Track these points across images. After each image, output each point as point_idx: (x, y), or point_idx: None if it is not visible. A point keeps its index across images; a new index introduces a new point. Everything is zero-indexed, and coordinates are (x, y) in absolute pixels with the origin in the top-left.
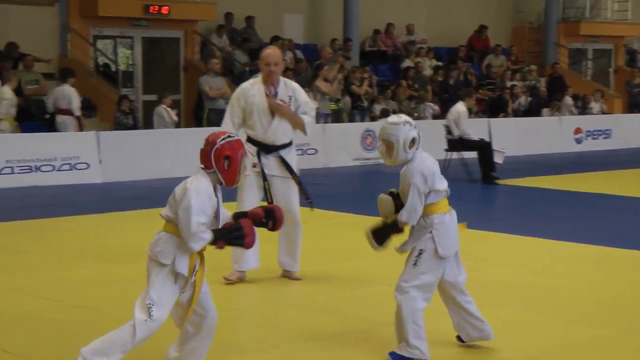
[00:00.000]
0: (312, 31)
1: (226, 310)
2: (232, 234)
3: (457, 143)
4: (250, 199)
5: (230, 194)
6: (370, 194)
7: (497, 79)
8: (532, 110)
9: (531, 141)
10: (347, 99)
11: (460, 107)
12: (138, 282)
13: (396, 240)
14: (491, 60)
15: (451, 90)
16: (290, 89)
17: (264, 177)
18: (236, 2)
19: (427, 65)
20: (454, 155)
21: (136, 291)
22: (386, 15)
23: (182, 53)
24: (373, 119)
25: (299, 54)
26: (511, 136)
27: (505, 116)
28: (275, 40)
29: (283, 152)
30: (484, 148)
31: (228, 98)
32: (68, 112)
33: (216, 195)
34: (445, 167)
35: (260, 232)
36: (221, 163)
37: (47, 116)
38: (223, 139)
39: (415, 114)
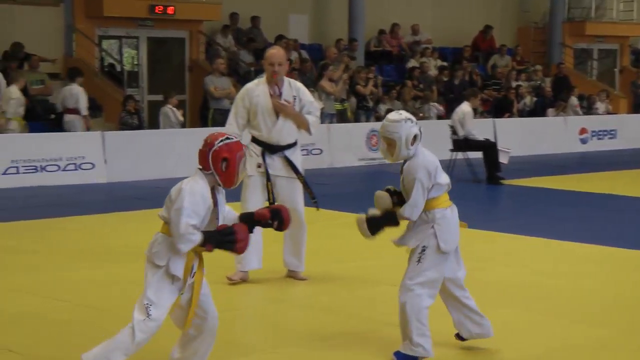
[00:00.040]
0: (317, 31)
1: (230, 310)
2: (224, 238)
3: (462, 143)
4: (255, 199)
5: (235, 194)
6: None
7: (502, 79)
8: (537, 111)
9: (536, 141)
10: (353, 100)
11: (465, 108)
12: (141, 282)
13: (389, 232)
14: (496, 61)
15: (456, 90)
16: (294, 88)
17: (267, 177)
18: (241, 2)
19: (432, 66)
20: (459, 155)
21: (140, 291)
22: (391, 15)
23: (188, 53)
24: (378, 119)
25: (304, 54)
26: (516, 136)
27: (510, 116)
28: (279, 39)
29: (288, 152)
30: (489, 148)
31: (233, 98)
32: (76, 111)
33: (215, 197)
34: (451, 167)
35: (265, 232)
36: (219, 165)
37: (53, 116)
38: (221, 140)
39: (421, 114)
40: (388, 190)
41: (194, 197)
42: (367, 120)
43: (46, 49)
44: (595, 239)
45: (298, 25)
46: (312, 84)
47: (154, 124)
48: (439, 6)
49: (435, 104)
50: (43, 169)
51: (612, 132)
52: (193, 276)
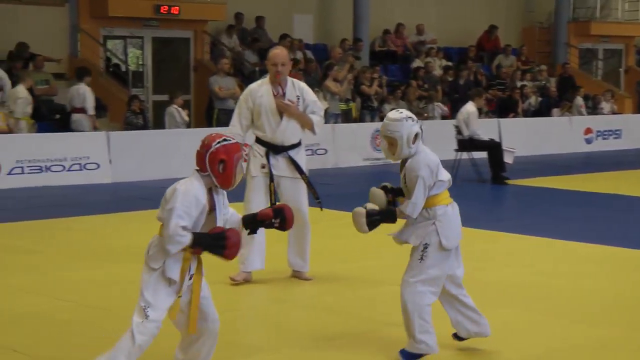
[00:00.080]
0: (322, 31)
1: (233, 311)
2: (214, 243)
3: (467, 143)
4: (258, 200)
5: (239, 195)
6: None
7: (507, 79)
8: (542, 111)
9: (541, 141)
10: (359, 100)
11: (470, 107)
12: None
13: (385, 228)
14: (501, 61)
15: (461, 90)
16: (298, 88)
17: (271, 178)
18: (246, 2)
19: (437, 66)
20: (464, 155)
21: None
22: (396, 15)
23: (192, 53)
24: (383, 119)
25: (309, 54)
26: (521, 136)
27: (515, 116)
28: (283, 38)
29: (292, 153)
30: (494, 148)
31: (238, 98)
32: (83, 110)
33: (212, 199)
34: (455, 167)
35: (269, 233)
36: (216, 166)
37: (58, 116)
38: (219, 142)
39: (425, 114)
40: (384, 188)
41: (187, 197)
42: (372, 120)
43: (51, 49)
44: (599, 239)
45: (303, 25)
46: (316, 84)
47: (158, 124)
48: (444, 6)
49: (440, 104)
50: (48, 169)
51: (617, 132)
52: (191, 278)
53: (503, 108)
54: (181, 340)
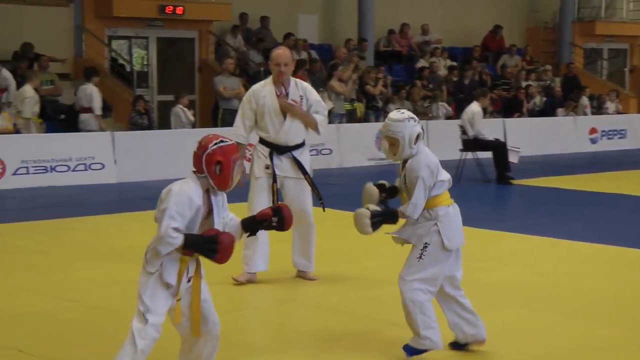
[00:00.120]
0: (326, 31)
1: (238, 311)
2: (205, 246)
3: (471, 143)
4: (261, 201)
5: (243, 195)
6: None
7: (512, 79)
8: (547, 111)
9: (546, 141)
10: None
11: (474, 107)
12: None
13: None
14: (506, 60)
15: (466, 90)
16: (301, 88)
17: (274, 178)
18: (251, 2)
19: (442, 66)
20: (469, 155)
21: None
22: (401, 15)
23: (197, 53)
24: None
25: (314, 54)
26: (526, 136)
27: (520, 116)
28: (287, 37)
29: (296, 153)
30: (498, 148)
31: (242, 98)
32: (90, 110)
33: (210, 200)
34: (460, 167)
35: (273, 233)
36: (212, 168)
37: (62, 116)
38: (215, 143)
39: (430, 114)
40: (380, 185)
41: (180, 198)
42: (377, 120)
43: (56, 50)
44: (603, 238)
45: (307, 25)
46: (321, 84)
47: (163, 124)
48: (449, 6)
49: (444, 104)
50: (53, 169)
51: (622, 132)
52: (189, 281)
53: (508, 108)
54: (182, 344)
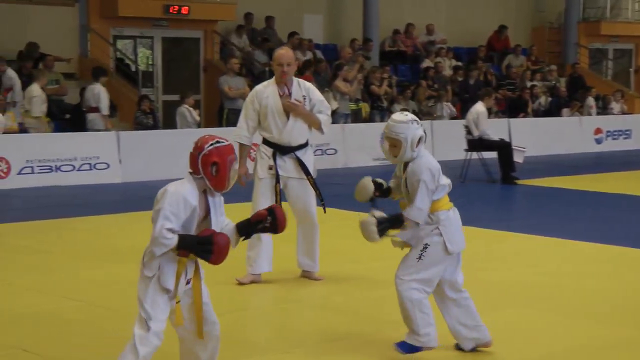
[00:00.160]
0: (332, 31)
1: (243, 310)
2: (200, 247)
3: (476, 143)
4: (265, 202)
5: (246, 195)
6: None
7: (517, 79)
8: (552, 111)
9: (551, 141)
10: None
11: (479, 107)
12: None
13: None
14: (511, 61)
15: (471, 90)
16: (304, 88)
17: (277, 179)
18: (256, 2)
19: (447, 66)
20: (474, 155)
21: None
22: (406, 15)
23: (202, 53)
24: None
25: (319, 54)
26: (531, 136)
27: (525, 116)
28: (291, 36)
29: (299, 153)
30: (503, 148)
31: None
32: (98, 110)
33: (207, 201)
34: (465, 168)
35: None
36: (209, 169)
37: (68, 116)
38: (211, 144)
39: (434, 114)
40: (375, 183)
41: (175, 199)
42: (382, 120)
43: (61, 49)
44: (607, 238)
45: (313, 25)
46: (326, 84)
47: (168, 124)
48: (454, 6)
49: (449, 104)
50: (58, 168)
51: (627, 132)
52: (188, 283)
53: (513, 108)
54: (181, 346)
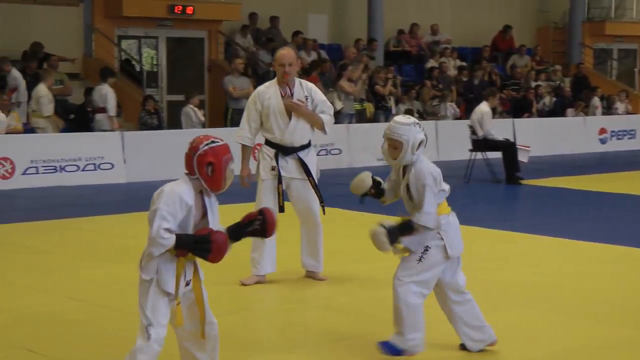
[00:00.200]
0: (336, 31)
1: (247, 310)
2: (198, 246)
3: (481, 143)
4: (268, 203)
5: (250, 196)
6: None
7: (522, 79)
8: (556, 111)
9: (555, 141)
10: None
11: (483, 108)
12: None
13: None
14: (515, 61)
15: (476, 90)
16: (306, 88)
17: (279, 180)
18: (260, 2)
19: (452, 66)
20: (479, 155)
21: None
22: (410, 15)
23: (207, 53)
24: None
25: (323, 54)
26: (535, 136)
27: (529, 116)
28: (295, 35)
29: (302, 154)
30: (508, 148)
31: None
32: (105, 111)
33: (204, 202)
34: (470, 168)
35: (280, 234)
36: (204, 169)
37: (72, 116)
38: (206, 144)
39: (440, 114)
40: (375, 181)
41: (172, 198)
42: (386, 121)
43: (65, 49)
44: (612, 238)
45: (317, 25)
46: (331, 83)
47: (173, 124)
48: (458, 6)
49: (453, 104)
50: (62, 169)
51: (632, 132)
52: (188, 284)
53: (517, 108)
54: (180, 347)
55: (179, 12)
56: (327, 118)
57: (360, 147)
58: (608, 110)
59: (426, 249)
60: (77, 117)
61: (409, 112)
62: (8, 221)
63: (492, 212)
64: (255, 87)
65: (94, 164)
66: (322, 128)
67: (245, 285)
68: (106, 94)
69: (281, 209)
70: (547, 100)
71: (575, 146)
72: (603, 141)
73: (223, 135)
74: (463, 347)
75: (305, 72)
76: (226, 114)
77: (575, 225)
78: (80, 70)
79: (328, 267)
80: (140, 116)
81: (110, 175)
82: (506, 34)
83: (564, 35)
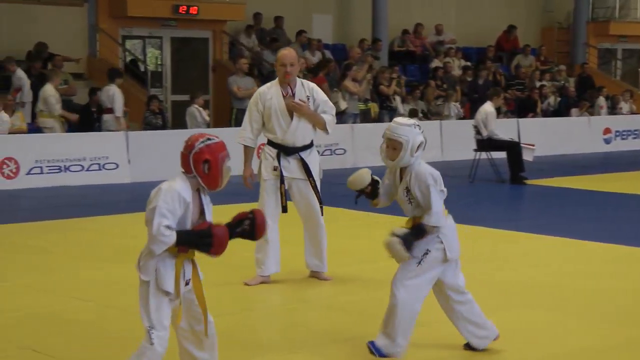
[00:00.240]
0: (341, 31)
1: (248, 310)
2: (199, 241)
3: (485, 143)
4: (271, 203)
5: (253, 196)
6: None
7: (526, 79)
8: (561, 111)
9: (560, 141)
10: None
11: (488, 107)
12: None
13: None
14: (520, 61)
15: (480, 90)
16: (307, 89)
17: (281, 180)
18: (265, 2)
19: (456, 66)
20: (483, 155)
21: None
22: (415, 15)
23: (211, 53)
24: None
25: (328, 54)
26: (540, 136)
27: (534, 116)
28: (299, 35)
29: (304, 154)
30: (512, 148)
31: None
32: (112, 111)
33: (201, 200)
34: (474, 167)
35: (283, 234)
36: (200, 167)
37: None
38: (202, 142)
39: (444, 114)
40: (373, 180)
41: (170, 195)
42: (391, 120)
43: (70, 49)
44: (616, 238)
45: (322, 25)
46: (335, 84)
47: (177, 124)
48: (463, 6)
49: (457, 104)
50: (67, 169)
51: (636, 132)
52: (187, 284)
53: (522, 108)
54: (180, 346)
55: (183, 12)
56: (329, 118)
57: (364, 147)
58: (612, 110)
59: (426, 252)
60: (81, 117)
61: (413, 112)
62: (13, 221)
63: (496, 212)
64: (259, 87)
65: (99, 164)
66: (324, 128)
67: (249, 286)
68: (114, 94)
69: (284, 209)
70: (552, 100)
71: (579, 146)
72: (607, 141)
73: (227, 135)
74: (468, 346)
75: (312, 73)
76: (231, 114)
77: (580, 225)
78: (85, 70)
79: (332, 267)
80: (144, 116)
81: (114, 175)
82: (510, 34)
83: (569, 35)
